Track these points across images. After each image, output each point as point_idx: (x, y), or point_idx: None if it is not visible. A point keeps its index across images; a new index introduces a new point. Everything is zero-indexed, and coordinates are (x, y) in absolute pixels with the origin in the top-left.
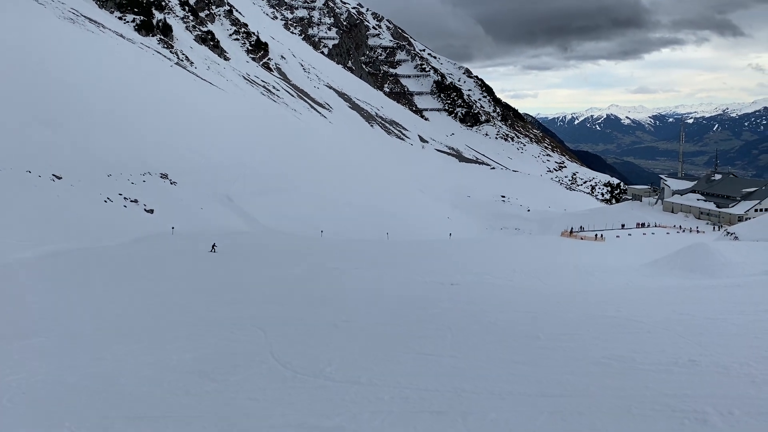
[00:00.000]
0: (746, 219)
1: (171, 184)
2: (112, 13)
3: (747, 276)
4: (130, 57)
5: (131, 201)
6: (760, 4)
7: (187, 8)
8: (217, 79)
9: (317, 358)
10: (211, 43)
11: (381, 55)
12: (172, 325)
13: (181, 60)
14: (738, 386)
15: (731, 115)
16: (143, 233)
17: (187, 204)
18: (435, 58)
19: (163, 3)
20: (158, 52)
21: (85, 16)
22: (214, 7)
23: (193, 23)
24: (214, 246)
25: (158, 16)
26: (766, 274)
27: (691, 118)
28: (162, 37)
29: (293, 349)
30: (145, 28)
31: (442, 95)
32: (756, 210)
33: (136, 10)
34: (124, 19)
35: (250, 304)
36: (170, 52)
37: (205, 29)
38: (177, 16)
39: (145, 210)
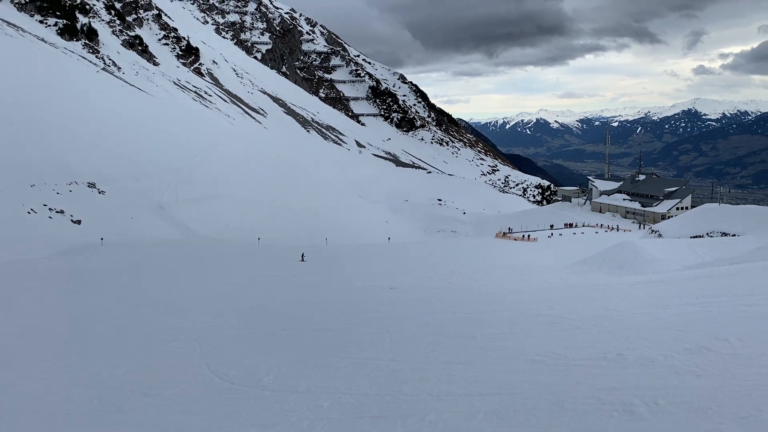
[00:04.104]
0: (669, 217)
1: (99, 193)
2: (32, 16)
3: (670, 272)
4: (53, 62)
5: (57, 212)
6: (673, 12)
7: (113, 12)
8: (146, 85)
9: (254, 368)
10: (140, 47)
11: (315, 60)
12: (102, 339)
13: (108, 65)
14: (663, 377)
15: (653, 118)
16: (70, 245)
17: (116, 213)
18: (370, 63)
19: (88, 6)
20: (83, 57)
21: (2, 20)
22: (141, 11)
23: (119, 27)
24: (303, 256)
25: (82, 19)
26: (687, 269)
27: (616, 121)
28: (87, 41)
29: (229, 360)
30: (69, 32)
31: (377, 101)
32: (677, 208)
33: (58, 13)
34: (46, 23)
35: (184, 315)
36: (96, 57)
37: (132, 34)
38: (102, 20)
39: (71, 221)
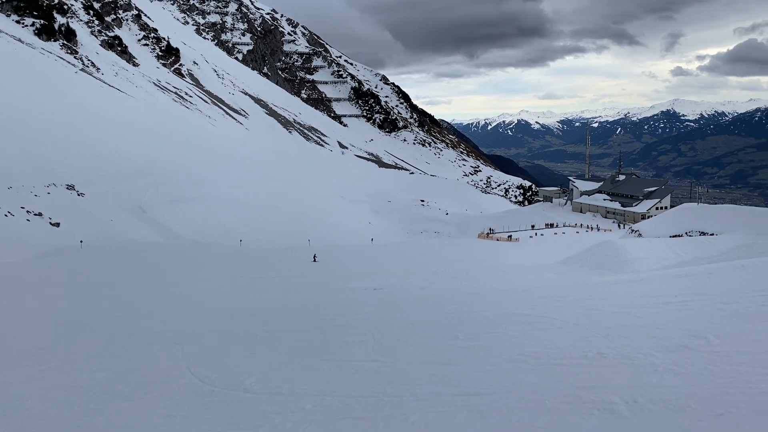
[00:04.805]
0: (648, 217)
1: (78, 195)
2: (8, 16)
3: (650, 271)
4: (30, 63)
5: (35, 214)
6: (651, 14)
7: (92, 12)
8: (125, 86)
9: (237, 371)
10: (119, 48)
11: (297, 61)
12: (82, 343)
13: (87, 66)
14: (642, 376)
15: (632, 119)
16: (49, 248)
17: (96, 216)
18: (352, 64)
19: (66, 6)
20: (61, 58)
21: None
22: (121, 12)
23: (98, 28)
24: (315, 257)
25: (60, 20)
26: (667, 268)
27: (596, 122)
28: (65, 42)
29: (212, 363)
30: (47, 32)
31: (359, 101)
32: (657, 208)
33: (35, 13)
34: (23, 23)
35: (166, 318)
36: (74, 57)
37: (111, 34)
38: (81, 20)
39: (50, 223)
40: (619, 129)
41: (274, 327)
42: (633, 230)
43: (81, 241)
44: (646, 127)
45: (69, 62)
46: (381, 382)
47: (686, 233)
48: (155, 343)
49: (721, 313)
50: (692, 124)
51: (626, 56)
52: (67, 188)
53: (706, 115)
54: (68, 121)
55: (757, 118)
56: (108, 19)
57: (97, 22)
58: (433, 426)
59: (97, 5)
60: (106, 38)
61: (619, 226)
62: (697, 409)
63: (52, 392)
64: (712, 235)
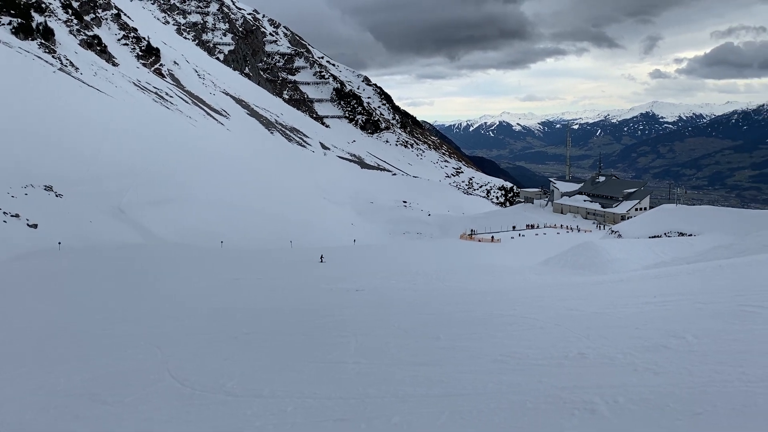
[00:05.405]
0: (628, 218)
1: (57, 196)
2: None
3: (629, 271)
4: (7, 62)
5: (12, 216)
6: (630, 18)
7: (70, 11)
8: (105, 86)
9: (217, 373)
10: (98, 48)
11: (279, 61)
12: (59, 346)
13: (65, 65)
14: (622, 375)
15: (612, 121)
16: (26, 249)
17: (74, 217)
18: (334, 65)
19: (44, 5)
20: (39, 57)
21: None
22: (100, 11)
23: (77, 27)
24: (322, 257)
25: (38, 18)
26: (646, 268)
27: (577, 124)
28: (43, 41)
29: (191, 365)
30: (24, 31)
31: (342, 102)
32: (636, 209)
33: (12, 12)
34: (0, 22)
35: (144, 320)
36: (53, 57)
37: (91, 33)
38: (59, 19)
39: (27, 225)
40: (599, 131)
41: (255, 329)
42: (613, 231)
43: (59, 243)
44: (625, 129)
45: (47, 61)
46: (363, 384)
47: (665, 234)
48: (134, 346)
49: (699, 312)
50: (671, 126)
51: (606, 59)
52: (45, 189)
53: (685, 118)
54: (46, 122)
55: (734, 121)
56: (87, 18)
57: (75, 21)
58: (415, 427)
59: (75, 4)
60: (85, 37)
61: (599, 226)
62: (676, 409)
63: (28, 396)
64: (691, 235)
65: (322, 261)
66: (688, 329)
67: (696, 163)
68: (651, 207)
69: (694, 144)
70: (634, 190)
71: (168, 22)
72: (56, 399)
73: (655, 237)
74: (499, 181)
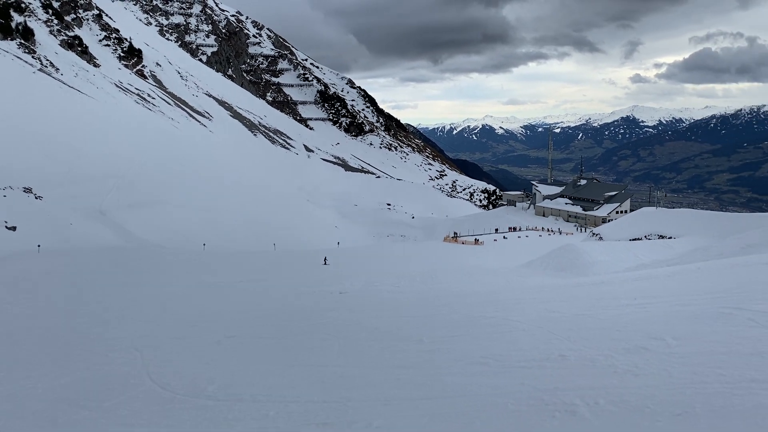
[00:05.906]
0: (609, 220)
1: (36, 198)
2: None
3: (610, 273)
4: None
5: None
6: (610, 23)
7: (50, 11)
8: (86, 87)
9: (198, 377)
10: (79, 48)
11: (262, 63)
12: (36, 350)
13: (45, 66)
14: (603, 377)
15: (593, 124)
16: (4, 252)
17: (54, 219)
18: (318, 67)
19: (23, 5)
20: (18, 57)
21: None
22: (81, 11)
23: (58, 27)
24: (325, 259)
25: (17, 18)
26: (627, 271)
27: (558, 127)
28: (22, 41)
29: (172, 369)
30: (3, 31)
31: (326, 105)
32: (617, 212)
33: None
34: None
35: (125, 324)
36: (32, 57)
37: (71, 34)
38: (39, 19)
39: (6, 227)
40: (581, 134)
41: (236, 332)
42: (594, 234)
43: (38, 246)
44: (606, 132)
45: (26, 62)
46: (345, 387)
47: (645, 236)
48: (114, 349)
49: (678, 315)
50: (651, 130)
51: (587, 63)
52: (24, 191)
53: (665, 122)
54: (26, 123)
55: (712, 125)
56: (68, 18)
57: (56, 21)
58: (398, 430)
59: (56, 4)
60: (65, 38)
61: (580, 229)
62: (656, 410)
63: (4, 402)
64: (671, 238)
65: (326, 264)
66: (668, 331)
67: (676, 166)
68: (631, 210)
69: (673, 148)
70: (615, 193)
71: (150, 23)
72: (34, 404)
73: (635, 240)
74: (482, 184)
